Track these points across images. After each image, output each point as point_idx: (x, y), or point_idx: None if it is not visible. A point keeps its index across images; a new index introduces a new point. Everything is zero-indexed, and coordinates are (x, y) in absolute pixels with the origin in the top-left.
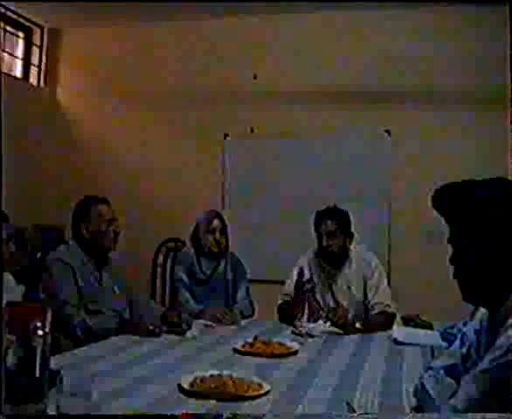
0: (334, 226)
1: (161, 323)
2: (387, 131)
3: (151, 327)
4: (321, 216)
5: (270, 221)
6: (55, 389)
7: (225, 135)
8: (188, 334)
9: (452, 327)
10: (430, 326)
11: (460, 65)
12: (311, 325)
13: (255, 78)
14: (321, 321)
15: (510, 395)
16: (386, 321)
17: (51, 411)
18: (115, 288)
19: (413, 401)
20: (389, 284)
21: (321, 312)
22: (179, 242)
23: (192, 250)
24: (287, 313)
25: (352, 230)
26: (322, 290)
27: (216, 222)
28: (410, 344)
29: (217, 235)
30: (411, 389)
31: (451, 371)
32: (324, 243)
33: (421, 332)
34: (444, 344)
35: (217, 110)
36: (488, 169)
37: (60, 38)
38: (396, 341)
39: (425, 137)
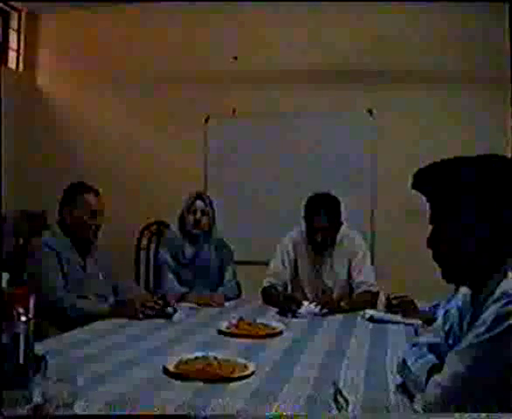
0: (328, 222)
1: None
2: (370, 111)
3: (147, 311)
4: (315, 210)
5: (255, 205)
6: (40, 375)
7: (207, 118)
8: (174, 318)
9: (436, 306)
10: (413, 304)
11: (447, 46)
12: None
13: (235, 59)
14: (306, 302)
15: (495, 371)
16: (371, 300)
17: (37, 397)
18: (100, 275)
19: (398, 378)
20: (373, 262)
21: (306, 294)
22: (162, 225)
23: (178, 233)
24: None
25: (342, 216)
26: (308, 270)
27: (198, 202)
28: (388, 321)
29: (198, 215)
30: (395, 366)
31: (434, 347)
32: (318, 239)
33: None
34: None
35: (198, 93)
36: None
37: (39, 22)
38: (372, 319)
39: (412, 123)
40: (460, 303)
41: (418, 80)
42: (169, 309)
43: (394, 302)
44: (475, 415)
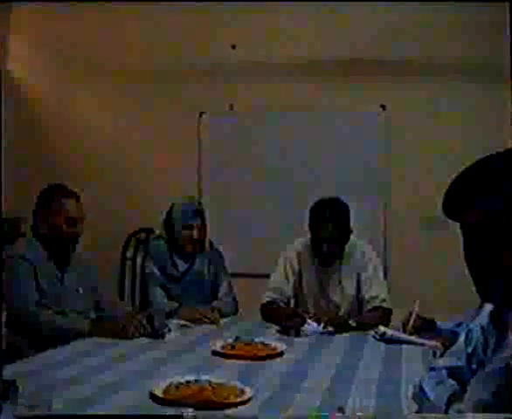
0: (335, 231)
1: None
2: (383, 107)
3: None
4: (321, 218)
5: (255, 211)
6: (9, 402)
7: (201, 114)
8: (167, 337)
9: (458, 325)
10: (432, 323)
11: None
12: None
13: (234, 48)
14: (310, 320)
15: None
16: (382, 318)
17: None
18: (79, 288)
19: (414, 405)
20: (386, 276)
21: (310, 310)
22: (151, 233)
23: (164, 242)
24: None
25: (351, 225)
26: (313, 284)
27: (196, 219)
28: (402, 341)
29: (195, 234)
30: (411, 392)
31: (455, 372)
32: (325, 250)
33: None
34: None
35: (190, 86)
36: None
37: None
38: (383, 337)
39: (425, 123)
40: (484, 322)
41: (433, 74)
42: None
43: (407, 323)
44: (476, 415)
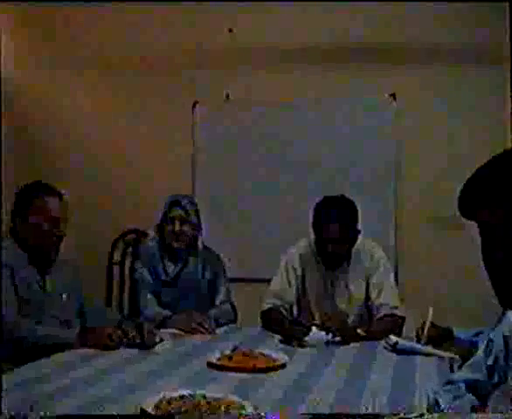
0: (341, 231)
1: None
2: (393, 96)
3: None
4: (326, 217)
5: (254, 211)
6: None
7: (194, 104)
8: (157, 348)
9: (477, 335)
10: (449, 332)
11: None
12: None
13: (231, 31)
14: (315, 328)
15: None
16: (394, 326)
17: None
18: (63, 294)
19: None
20: (396, 280)
21: (315, 316)
22: (140, 234)
23: (155, 244)
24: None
25: (359, 225)
26: (317, 289)
27: (175, 209)
28: (416, 352)
29: (177, 226)
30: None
31: (474, 386)
32: (330, 250)
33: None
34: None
35: (184, 75)
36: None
37: None
38: (395, 348)
39: (425, 122)
40: (506, 331)
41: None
42: (150, 338)
43: (422, 334)
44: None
